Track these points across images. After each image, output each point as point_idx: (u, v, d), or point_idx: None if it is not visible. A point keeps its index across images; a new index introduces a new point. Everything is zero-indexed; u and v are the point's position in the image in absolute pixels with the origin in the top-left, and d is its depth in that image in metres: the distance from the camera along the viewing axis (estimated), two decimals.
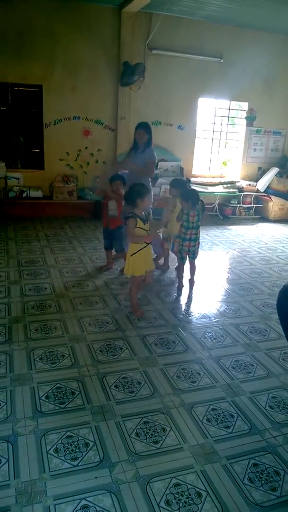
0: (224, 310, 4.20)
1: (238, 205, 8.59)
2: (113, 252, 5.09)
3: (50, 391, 2.75)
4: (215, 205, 8.60)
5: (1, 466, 2.15)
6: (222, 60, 7.98)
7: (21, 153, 7.49)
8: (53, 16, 6.86)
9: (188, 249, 4.58)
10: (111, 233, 4.90)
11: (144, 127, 4.96)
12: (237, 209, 8.63)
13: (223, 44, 7.91)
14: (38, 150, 7.52)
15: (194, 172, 8.64)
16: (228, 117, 8.74)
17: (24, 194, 7.23)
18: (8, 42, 6.76)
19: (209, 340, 3.59)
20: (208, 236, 7.17)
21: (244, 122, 8.76)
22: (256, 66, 8.24)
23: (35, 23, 6.81)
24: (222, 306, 4.31)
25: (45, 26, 6.88)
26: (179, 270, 4.77)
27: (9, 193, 7.17)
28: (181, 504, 2.00)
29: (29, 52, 6.90)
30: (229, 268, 5.60)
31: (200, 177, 8.57)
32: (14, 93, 7.16)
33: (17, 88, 7.14)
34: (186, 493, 2.07)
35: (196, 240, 4.60)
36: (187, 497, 2.05)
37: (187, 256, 4.65)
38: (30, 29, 6.81)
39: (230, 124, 8.90)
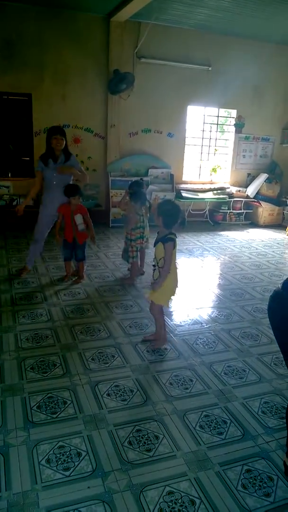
0: (216, 316, 4.21)
1: (228, 211, 8.65)
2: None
3: (42, 401, 2.73)
4: (205, 211, 8.66)
5: None
6: (210, 68, 8.08)
7: (11, 162, 7.48)
8: (42, 24, 6.90)
9: (141, 246, 4.97)
10: (75, 245, 4.82)
11: (61, 132, 4.56)
12: (227, 215, 8.69)
13: (211, 53, 8.01)
14: (28, 158, 7.52)
15: (184, 178, 8.70)
16: (217, 124, 8.83)
17: (14, 203, 7.20)
18: None
19: (201, 346, 3.59)
20: (199, 242, 7.20)
21: (233, 129, 8.85)
22: (245, 74, 8.36)
23: (24, 31, 6.84)
24: (213, 311, 4.32)
25: (34, 34, 6.91)
26: (136, 268, 5.07)
27: (0, 202, 7.14)
28: None
29: (18, 61, 6.93)
30: (220, 273, 5.63)
31: (190, 183, 8.63)
32: (3, 102, 7.17)
33: (6, 97, 7.15)
34: (179, 501, 2.06)
35: (143, 237, 4.94)
36: (181, 505, 2.03)
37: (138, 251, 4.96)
38: (19, 37, 6.84)
39: (219, 131, 8.98)
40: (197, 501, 2.07)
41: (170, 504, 2.04)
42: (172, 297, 3.51)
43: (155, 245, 3.35)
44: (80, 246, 4.82)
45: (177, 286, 3.48)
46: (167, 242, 3.21)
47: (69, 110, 7.46)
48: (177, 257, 6.12)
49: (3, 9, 6.61)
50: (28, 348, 3.39)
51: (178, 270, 3.50)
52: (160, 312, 3.51)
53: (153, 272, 3.43)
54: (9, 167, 7.50)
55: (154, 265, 3.41)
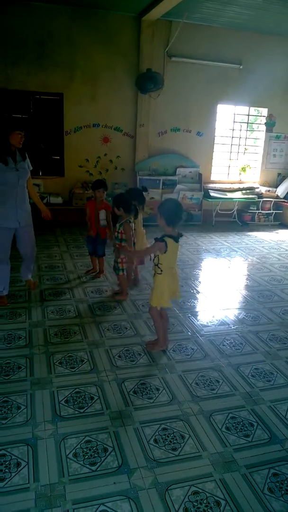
0: (243, 317, 4.16)
1: (257, 211, 8.53)
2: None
3: (70, 395, 2.77)
4: (233, 211, 8.56)
5: (21, 469, 2.17)
6: (241, 66, 7.98)
7: (42, 161, 7.62)
8: (73, 24, 6.99)
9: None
10: (97, 240, 4.88)
11: (22, 128, 3.88)
12: (256, 215, 8.57)
13: (242, 50, 7.91)
14: (58, 157, 7.64)
15: (212, 178, 8.63)
16: (248, 123, 8.71)
17: (44, 201, 7.32)
18: (29, 51, 6.91)
19: (228, 347, 3.56)
20: (226, 242, 7.13)
21: (264, 128, 8.71)
22: (276, 72, 8.22)
23: (56, 31, 6.95)
24: (241, 313, 4.27)
25: (66, 34, 7.01)
26: (124, 282, 4.51)
27: (30, 199, 7.27)
28: None
29: (49, 60, 7.05)
30: (248, 274, 5.56)
31: (218, 183, 8.56)
32: (35, 101, 7.30)
33: (38, 96, 7.28)
34: (205, 501, 2.05)
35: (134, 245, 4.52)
36: (206, 506, 2.03)
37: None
38: (51, 38, 6.95)
39: (249, 130, 8.86)
40: (223, 502, 2.05)
41: (196, 504, 2.03)
42: (169, 300, 3.32)
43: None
44: (101, 242, 4.88)
45: (176, 291, 3.36)
46: (158, 241, 3.15)
47: (99, 110, 7.54)
48: (203, 257, 6.12)
49: (36, 9, 6.73)
50: (56, 343, 3.45)
51: (177, 275, 3.38)
52: (157, 315, 3.38)
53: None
54: (40, 165, 7.64)
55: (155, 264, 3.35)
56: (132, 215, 4.30)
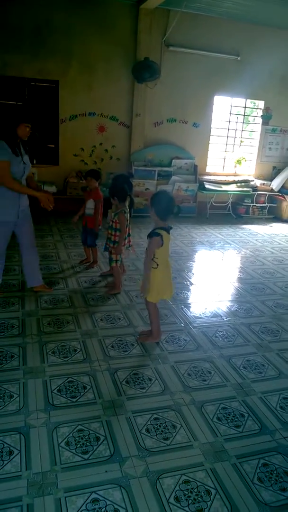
0: (236, 310, 4.19)
1: (252, 204, 8.55)
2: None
3: (62, 384, 2.78)
4: (228, 204, 8.57)
5: (14, 457, 2.18)
6: (239, 58, 7.93)
7: (37, 149, 7.54)
8: (70, 11, 6.89)
9: (129, 245, 4.49)
10: (86, 229, 4.89)
11: (30, 120, 3.64)
12: (250, 208, 8.59)
13: (240, 42, 7.86)
14: (53, 146, 7.57)
15: (208, 170, 8.62)
16: (244, 115, 8.68)
17: None
18: (25, 38, 6.81)
19: (220, 339, 3.58)
20: (220, 235, 7.15)
21: (260, 120, 8.69)
22: (274, 65, 8.18)
23: (52, 18, 6.84)
24: (233, 305, 4.30)
25: (62, 21, 6.91)
26: (118, 274, 4.38)
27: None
28: (190, 501, 2.01)
29: (46, 47, 6.95)
30: (241, 267, 5.58)
31: (214, 175, 8.56)
32: (30, 88, 7.21)
33: (33, 83, 7.19)
34: (195, 490, 2.08)
35: (129, 235, 4.48)
36: (197, 494, 2.05)
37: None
38: (47, 24, 6.85)
39: (245, 123, 8.83)
40: (213, 491, 2.08)
41: (186, 492, 2.06)
42: (164, 295, 3.37)
43: (148, 236, 3.25)
44: (89, 231, 4.86)
45: (170, 284, 3.37)
46: (153, 236, 3.13)
47: (95, 98, 7.47)
48: (197, 249, 6.13)
49: None
50: (50, 332, 3.45)
51: (170, 267, 3.36)
52: (154, 308, 3.37)
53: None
54: (35, 154, 7.56)
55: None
56: (126, 204, 4.23)
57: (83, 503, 1.96)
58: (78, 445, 2.29)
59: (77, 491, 2.02)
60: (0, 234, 3.76)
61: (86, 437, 2.35)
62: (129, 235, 4.39)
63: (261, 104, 8.64)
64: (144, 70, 7.18)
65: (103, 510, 1.93)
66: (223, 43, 7.78)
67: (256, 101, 8.70)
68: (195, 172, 8.16)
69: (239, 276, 5.24)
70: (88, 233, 4.88)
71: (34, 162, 7.54)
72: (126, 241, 4.37)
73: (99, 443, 2.32)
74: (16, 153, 3.60)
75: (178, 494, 2.05)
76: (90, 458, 2.22)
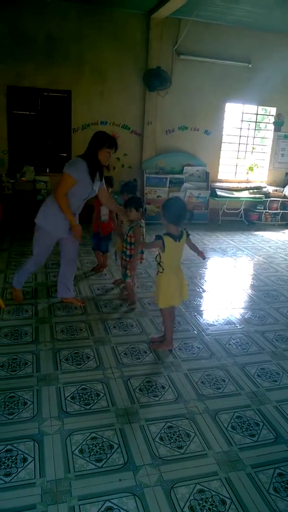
0: (249, 317, 4.15)
1: (264, 210, 8.50)
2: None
3: (76, 391, 2.78)
4: (240, 211, 8.53)
5: (27, 464, 2.19)
6: (250, 65, 7.95)
7: (50, 158, 7.64)
8: (82, 21, 7.00)
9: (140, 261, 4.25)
10: (99, 236, 4.89)
11: (114, 146, 3.61)
12: (263, 215, 8.54)
13: (251, 49, 7.88)
14: (65, 155, 7.65)
15: (219, 177, 8.62)
16: (256, 122, 8.67)
17: None
18: (38, 48, 6.93)
19: (234, 346, 3.55)
20: (233, 241, 7.12)
21: (272, 127, 8.67)
22: (285, 71, 8.17)
23: (65, 28, 6.96)
24: (247, 312, 4.26)
25: (75, 31, 7.02)
26: (132, 289, 4.24)
27: (37, 196, 7.31)
28: (205, 511, 1.99)
29: (58, 57, 7.06)
30: (255, 274, 5.54)
31: (226, 182, 8.54)
32: (43, 98, 7.32)
33: (46, 93, 7.30)
34: (210, 500, 2.05)
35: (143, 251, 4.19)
36: (211, 504, 2.03)
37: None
38: (60, 34, 6.97)
39: (257, 129, 8.82)
40: (228, 501, 2.05)
41: (201, 502, 2.03)
42: (174, 300, 3.32)
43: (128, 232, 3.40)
44: (103, 238, 4.89)
45: (183, 290, 3.34)
46: (156, 238, 3.14)
47: (107, 107, 7.54)
48: (209, 256, 6.11)
49: (45, 6, 6.74)
50: (62, 339, 3.47)
51: (182, 274, 3.36)
52: (168, 314, 3.35)
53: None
54: (47, 163, 7.66)
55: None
56: (143, 216, 4.04)
57: None
58: (92, 453, 2.28)
59: (91, 499, 2.01)
60: (46, 244, 3.81)
61: (100, 445, 2.34)
62: (142, 251, 4.16)
63: (273, 110, 8.62)
64: (154, 78, 7.25)
65: None
66: (234, 50, 7.81)
67: (268, 108, 8.68)
68: (207, 179, 8.16)
69: (252, 283, 5.20)
70: (103, 239, 4.90)
71: (47, 170, 7.64)
72: (139, 257, 4.13)
73: (112, 451, 2.31)
74: (93, 177, 3.57)
75: (192, 503, 2.02)
76: (104, 466, 2.21)
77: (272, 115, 8.65)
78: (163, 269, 3.20)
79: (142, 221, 4.02)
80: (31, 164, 7.37)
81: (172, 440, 2.42)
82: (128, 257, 4.04)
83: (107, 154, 3.57)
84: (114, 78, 7.45)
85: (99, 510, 1.96)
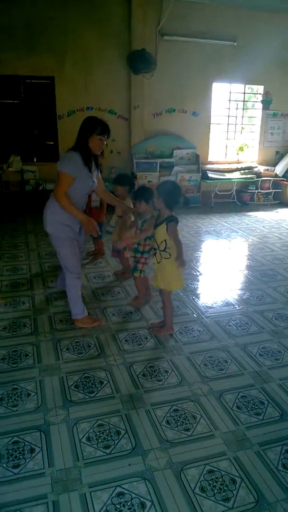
0: (248, 297, 4.15)
1: (256, 191, 8.47)
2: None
3: (79, 380, 2.77)
4: (232, 192, 8.50)
5: (35, 455, 2.17)
6: (235, 44, 7.82)
7: (36, 146, 7.51)
8: (63, 6, 6.81)
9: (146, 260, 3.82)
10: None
11: (106, 133, 3.23)
12: (255, 195, 8.52)
13: (236, 27, 7.74)
14: (52, 143, 7.52)
15: (210, 159, 8.55)
16: (244, 101, 8.58)
17: (41, 187, 7.25)
18: (19, 35, 6.75)
19: (234, 327, 3.56)
20: (226, 223, 7.10)
21: (260, 106, 8.59)
22: (271, 48, 8.04)
23: (45, 14, 6.77)
24: (245, 293, 4.26)
25: (55, 16, 6.84)
26: (143, 285, 3.96)
27: (26, 186, 7.20)
28: (216, 491, 2.00)
29: (39, 43, 6.89)
30: (250, 254, 5.53)
31: (216, 163, 8.48)
32: (26, 85, 7.16)
33: (29, 80, 7.15)
34: (220, 479, 2.06)
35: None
36: (222, 484, 2.04)
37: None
38: (40, 20, 6.78)
39: (245, 109, 8.73)
40: (238, 480, 2.06)
41: (211, 482, 2.04)
42: (177, 284, 3.31)
43: (155, 227, 3.23)
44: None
45: (181, 277, 3.33)
46: (171, 222, 3.10)
47: (92, 92, 7.40)
48: (203, 239, 6.09)
49: None
50: (62, 329, 3.44)
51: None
52: (169, 300, 3.35)
53: (154, 256, 3.30)
54: (34, 152, 7.53)
55: (154, 249, 3.29)
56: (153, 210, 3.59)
57: (109, 497, 1.95)
58: (99, 440, 2.28)
59: (102, 486, 2.01)
60: (72, 249, 3.35)
61: (107, 432, 2.33)
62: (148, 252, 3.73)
63: (260, 89, 8.53)
64: (138, 61, 7.10)
65: (129, 503, 1.92)
66: (219, 29, 7.66)
67: (255, 86, 8.59)
68: (197, 162, 8.09)
69: (248, 263, 5.20)
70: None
71: (34, 160, 7.52)
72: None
73: (120, 437, 2.30)
74: (90, 169, 3.24)
75: (203, 484, 2.03)
76: (112, 452, 2.20)
77: (259, 94, 8.56)
78: (170, 255, 3.16)
79: (154, 214, 3.59)
80: (18, 153, 7.23)
81: (179, 423, 2.42)
82: (140, 254, 3.72)
83: (99, 142, 3.19)
84: (98, 63, 7.29)
85: (110, 496, 1.96)
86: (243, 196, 8.51)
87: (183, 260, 3.13)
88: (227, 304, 4.01)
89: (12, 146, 7.31)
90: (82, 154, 3.18)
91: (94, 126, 3.18)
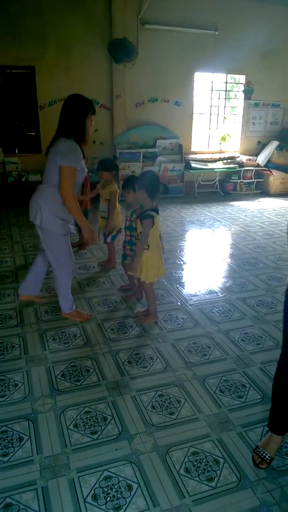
0: (230, 285, 4.24)
1: (239, 180, 8.55)
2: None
3: (66, 369, 2.81)
4: (215, 182, 8.56)
5: (24, 443, 2.21)
6: (217, 33, 7.82)
7: (18, 137, 7.42)
8: None
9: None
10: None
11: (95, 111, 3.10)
12: (238, 185, 8.59)
13: (218, 16, 7.74)
14: (34, 134, 7.45)
15: (193, 148, 8.58)
16: (226, 91, 8.61)
17: (23, 179, 7.19)
18: None
19: (217, 314, 3.63)
20: (210, 213, 7.17)
21: (242, 95, 8.63)
22: (253, 38, 8.08)
23: (25, 2, 6.64)
24: (227, 281, 4.34)
25: (35, 5, 6.73)
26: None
27: (8, 178, 7.13)
28: (200, 471, 2.07)
29: (20, 33, 6.78)
30: (233, 243, 5.62)
31: (199, 153, 8.52)
32: (6, 75, 7.05)
33: (9, 70, 7.04)
34: (204, 460, 2.14)
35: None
36: (206, 464, 2.11)
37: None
38: (20, 9, 6.66)
39: (227, 98, 8.77)
40: (221, 460, 2.14)
41: (195, 463, 2.12)
42: (159, 274, 3.35)
43: (137, 218, 3.27)
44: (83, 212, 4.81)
45: (162, 264, 3.36)
46: (145, 218, 3.13)
47: (74, 82, 7.31)
48: (187, 228, 6.15)
49: None
50: (48, 320, 3.46)
51: (162, 250, 3.39)
52: (150, 289, 3.40)
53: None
54: (16, 143, 7.44)
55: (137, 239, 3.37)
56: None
57: (96, 481, 2.00)
58: (87, 426, 2.33)
59: (90, 470, 2.06)
60: (69, 245, 3.24)
61: (94, 418, 2.39)
62: (119, 230, 4.02)
63: (242, 78, 8.56)
64: (118, 49, 7.03)
65: (116, 486, 1.98)
66: (200, 18, 7.65)
67: (237, 76, 8.61)
68: (181, 152, 8.11)
69: (231, 252, 5.28)
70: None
71: (16, 151, 7.44)
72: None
73: (106, 423, 2.36)
74: (84, 155, 2.98)
75: (187, 465, 2.10)
76: (99, 438, 2.26)
77: (241, 83, 8.59)
78: (148, 246, 3.20)
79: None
80: None
81: (164, 408, 2.48)
82: (129, 245, 3.72)
83: (91, 123, 2.97)
84: (79, 52, 7.21)
85: (98, 479, 2.01)
86: (226, 186, 8.58)
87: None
88: (211, 292, 4.08)
89: None
90: (80, 140, 2.92)
91: (87, 106, 2.96)
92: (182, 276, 4.49)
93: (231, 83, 8.67)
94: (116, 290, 4.06)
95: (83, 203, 4.75)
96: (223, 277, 4.47)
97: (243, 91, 8.57)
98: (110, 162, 4.34)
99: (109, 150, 7.80)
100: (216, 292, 4.07)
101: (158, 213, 3.21)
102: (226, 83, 8.54)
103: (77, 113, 2.92)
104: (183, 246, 5.47)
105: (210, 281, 4.34)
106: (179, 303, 3.82)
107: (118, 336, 3.25)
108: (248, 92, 8.57)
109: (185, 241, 5.72)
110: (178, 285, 4.21)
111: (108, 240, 4.35)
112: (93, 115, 3.01)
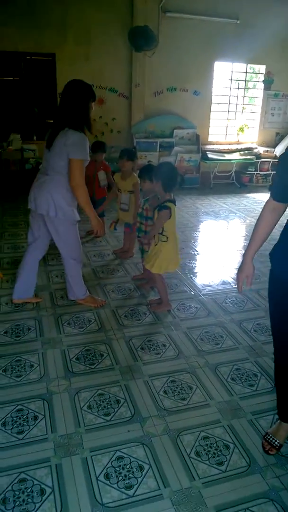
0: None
1: (256, 172, 8.47)
2: None
3: (80, 353, 2.87)
4: (231, 173, 8.50)
5: (39, 422, 2.28)
6: (238, 21, 7.71)
7: (36, 125, 7.46)
8: None
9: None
10: (94, 200, 4.85)
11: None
12: (254, 177, 8.52)
13: (239, 5, 7.62)
14: (52, 121, 7.45)
15: (210, 139, 8.52)
16: (245, 81, 8.50)
17: (40, 166, 7.22)
18: (19, 10, 6.63)
19: (230, 305, 3.65)
20: (225, 204, 7.14)
21: (262, 86, 8.52)
22: (274, 27, 7.93)
23: None
24: None
25: None
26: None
27: (26, 165, 7.19)
28: (210, 455, 2.11)
29: (40, 20, 6.77)
30: (247, 235, 5.60)
31: (216, 144, 8.46)
32: (26, 62, 7.08)
33: (29, 57, 7.06)
34: (214, 445, 2.18)
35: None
36: (216, 449, 2.15)
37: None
38: None
39: (246, 89, 8.65)
40: (231, 445, 2.18)
41: (206, 447, 2.16)
42: (168, 268, 3.37)
43: (154, 210, 3.30)
44: (97, 202, 4.85)
45: (178, 258, 3.40)
46: (162, 210, 3.14)
47: (93, 70, 7.31)
48: (202, 219, 6.14)
49: None
50: (63, 305, 3.53)
51: (178, 241, 3.42)
52: (160, 279, 3.44)
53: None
54: (34, 130, 7.49)
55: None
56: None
57: (109, 461, 2.06)
58: (100, 408, 2.39)
59: (102, 450, 2.12)
60: (77, 233, 3.27)
61: (107, 401, 2.44)
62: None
63: (262, 68, 8.44)
64: (139, 37, 6.98)
65: (128, 466, 2.04)
66: (222, 6, 7.54)
67: (257, 66, 8.49)
68: (197, 142, 8.07)
69: (245, 244, 5.27)
70: (97, 202, 4.87)
71: (34, 138, 7.48)
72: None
73: (119, 405, 2.41)
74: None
75: (198, 449, 2.15)
76: (112, 419, 2.32)
77: (261, 73, 8.47)
78: (167, 238, 3.22)
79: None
80: (18, 131, 7.20)
81: (176, 393, 2.53)
82: (143, 233, 3.69)
83: (92, 109, 2.94)
84: (99, 40, 7.19)
85: (110, 459, 2.07)
86: (242, 177, 8.52)
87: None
88: (224, 282, 4.10)
89: (12, 124, 7.27)
90: (86, 128, 2.92)
91: (91, 92, 2.90)
92: (195, 266, 4.50)
93: (251, 73, 8.55)
94: (130, 278, 4.10)
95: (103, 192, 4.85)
96: (237, 268, 4.45)
97: (263, 81, 8.45)
98: (133, 151, 4.39)
99: (127, 139, 7.79)
100: (230, 283, 4.08)
101: (175, 205, 3.22)
102: (246, 72, 8.42)
103: (80, 100, 2.86)
104: (197, 236, 5.48)
105: (224, 272, 4.34)
106: (192, 293, 3.85)
107: (132, 322, 3.30)
108: (268, 82, 8.45)
109: (199, 231, 5.72)
110: (191, 275, 4.23)
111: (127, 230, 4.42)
112: (94, 101, 2.96)
